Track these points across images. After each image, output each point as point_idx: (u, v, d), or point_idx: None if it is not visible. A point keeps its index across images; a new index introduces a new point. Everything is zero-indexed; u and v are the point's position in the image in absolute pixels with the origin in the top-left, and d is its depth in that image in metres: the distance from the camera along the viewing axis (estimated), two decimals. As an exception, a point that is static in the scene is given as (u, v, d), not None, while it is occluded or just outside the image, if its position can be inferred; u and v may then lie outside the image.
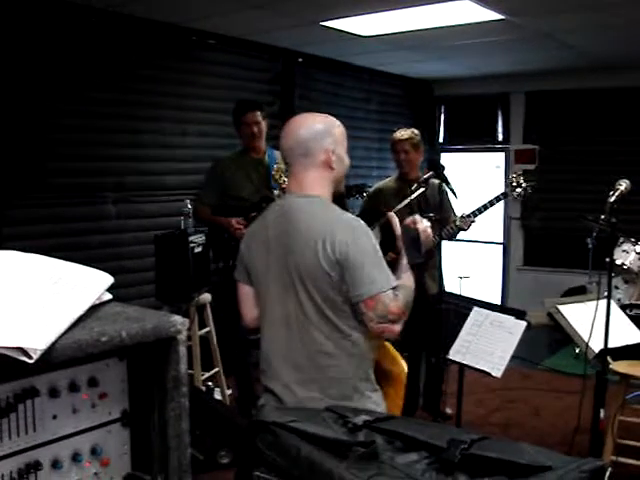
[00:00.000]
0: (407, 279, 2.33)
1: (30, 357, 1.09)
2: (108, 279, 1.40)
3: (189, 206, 4.63)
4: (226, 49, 5.97)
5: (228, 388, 5.02)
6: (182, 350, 1.28)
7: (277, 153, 4.47)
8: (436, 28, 5.40)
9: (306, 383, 2.22)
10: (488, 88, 8.27)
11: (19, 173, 4.55)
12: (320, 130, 2.30)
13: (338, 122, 2.38)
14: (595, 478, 1.17)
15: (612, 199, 3.29)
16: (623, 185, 3.37)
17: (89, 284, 1.33)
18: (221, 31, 5.72)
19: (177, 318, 1.27)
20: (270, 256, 2.28)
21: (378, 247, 2.21)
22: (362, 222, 2.25)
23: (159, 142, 5.51)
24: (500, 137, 8.54)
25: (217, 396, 4.89)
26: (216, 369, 4.93)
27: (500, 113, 8.47)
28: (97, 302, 1.32)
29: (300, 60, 6.69)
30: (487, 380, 4.98)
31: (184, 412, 1.32)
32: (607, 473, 1.22)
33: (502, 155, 8.57)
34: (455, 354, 3.28)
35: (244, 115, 4.65)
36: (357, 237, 2.17)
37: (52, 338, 1.13)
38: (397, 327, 2.20)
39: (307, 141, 2.28)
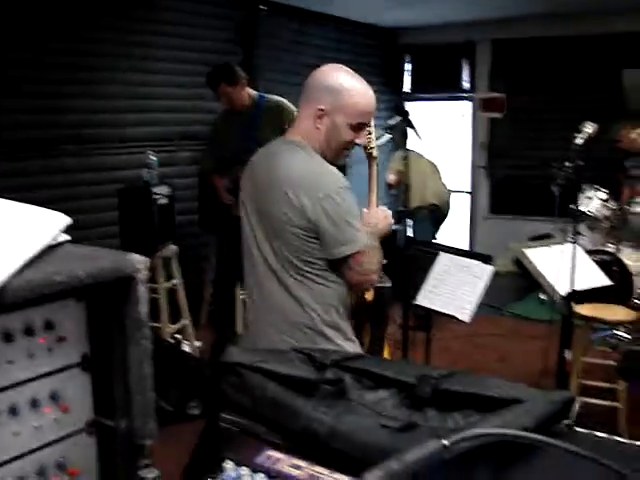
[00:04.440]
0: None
1: (-21, 298, 1.04)
2: (64, 219, 1.33)
3: (152, 157, 4.55)
4: (186, -4, 5.79)
5: (197, 340, 5.00)
6: (142, 290, 1.23)
7: (270, 97, 4.60)
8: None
9: (277, 325, 2.24)
10: (454, 36, 8.19)
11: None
12: (328, 86, 2.14)
13: (365, 95, 2.18)
14: (564, 408, 1.16)
15: (579, 141, 3.29)
16: (590, 128, 3.37)
17: (43, 224, 1.27)
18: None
19: (135, 256, 1.22)
20: (255, 201, 2.26)
21: (356, 204, 2.19)
22: (342, 177, 2.19)
23: (117, 93, 5.35)
24: (466, 85, 8.50)
25: (186, 349, 4.87)
26: (184, 322, 4.90)
27: (466, 61, 8.41)
28: (53, 242, 1.26)
29: (263, 8, 6.51)
30: (454, 326, 5.05)
31: (146, 355, 1.27)
32: (576, 404, 1.21)
33: (469, 104, 8.55)
34: (423, 299, 3.27)
35: (212, 89, 4.66)
36: (337, 193, 2.12)
37: (3, 279, 1.08)
38: (375, 277, 2.25)
39: (311, 89, 2.19)
